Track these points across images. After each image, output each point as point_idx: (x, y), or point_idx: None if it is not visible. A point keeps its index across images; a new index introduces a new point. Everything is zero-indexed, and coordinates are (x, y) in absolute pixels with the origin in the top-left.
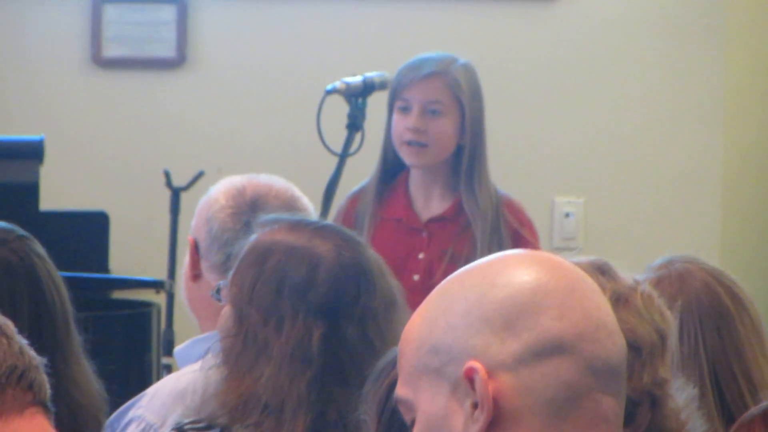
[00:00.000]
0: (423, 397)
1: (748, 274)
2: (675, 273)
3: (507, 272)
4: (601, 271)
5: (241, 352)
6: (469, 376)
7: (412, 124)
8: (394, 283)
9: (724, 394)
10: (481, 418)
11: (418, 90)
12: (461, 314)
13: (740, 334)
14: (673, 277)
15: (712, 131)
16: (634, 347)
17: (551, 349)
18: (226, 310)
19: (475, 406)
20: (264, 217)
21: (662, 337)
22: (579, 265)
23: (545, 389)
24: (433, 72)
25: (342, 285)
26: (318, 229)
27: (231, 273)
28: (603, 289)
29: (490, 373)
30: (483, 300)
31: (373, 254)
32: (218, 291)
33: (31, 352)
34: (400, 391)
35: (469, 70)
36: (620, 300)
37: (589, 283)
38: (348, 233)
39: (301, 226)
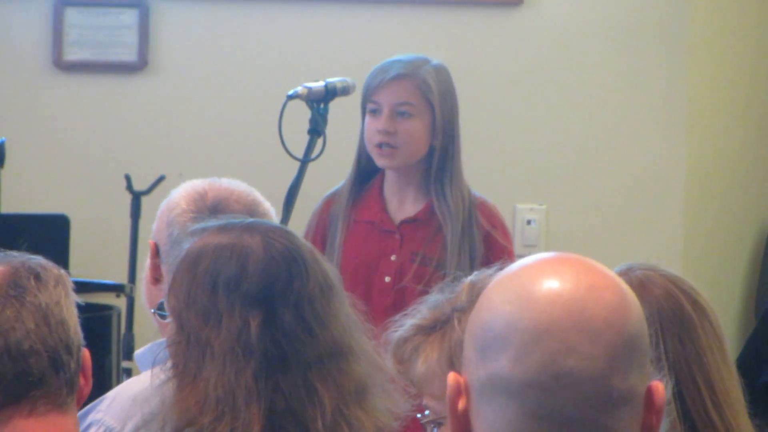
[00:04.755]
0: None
1: (711, 281)
2: (635, 280)
3: (499, 294)
4: None
5: (187, 357)
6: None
7: (381, 126)
8: (329, 269)
9: (686, 402)
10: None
11: (387, 92)
12: (472, 319)
13: (702, 341)
14: (634, 284)
15: (675, 137)
16: None
17: (500, 389)
18: (170, 322)
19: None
20: (193, 226)
21: None
22: None
23: (494, 423)
24: (401, 74)
25: (274, 272)
26: (246, 226)
27: (167, 286)
28: None
29: (468, 389)
30: (477, 315)
31: (304, 242)
32: (161, 308)
33: None
34: None
35: (440, 71)
36: None
37: (574, 323)
38: (276, 225)
39: (228, 226)
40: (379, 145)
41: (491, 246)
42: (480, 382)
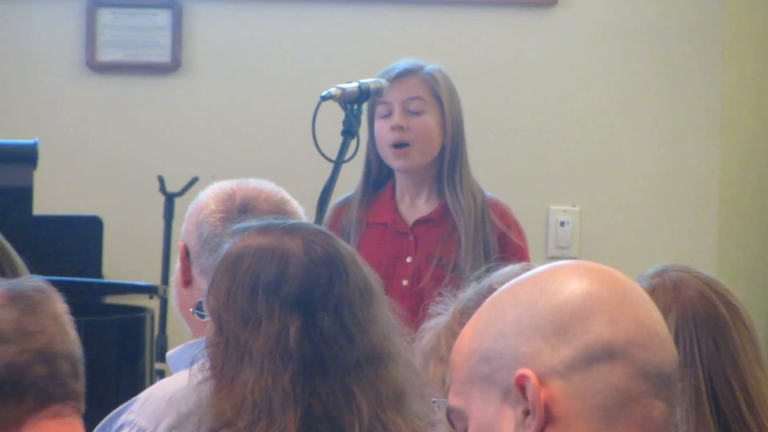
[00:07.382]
0: (475, 406)
1: (745, 282)
2: (669, 282)
3: (557, 280)
4: None
5: (225, 359)
6: (521, 384)
7: (394, 122)
8: (369, 273)
9: (720, 403)
10: (533, 424)
11: (396, 89)
12: (512, 322)
13: (735, 342)
14: (668, 285)
15: (709, 138)
16: None
17: (602, 355)
18: (209, 323)
19: (526, 413)
20: (234, 226)
21: None
22: None
23: (596, 395)
24: (408, 69)
25: (314, 276)
26: (287, 228)
27: (207, 286)
28: None
29: (542, 380)
30: (534, 307)
31: (345, 245)
32: (199, 307)
33: None
34: (452, 401)
35: (442, 72)
36: None
37: (640, 292)
38: (317, 229)
39: (270, 228)
40: (394, 144)
41: (506, 246)
42: (565, 363)
